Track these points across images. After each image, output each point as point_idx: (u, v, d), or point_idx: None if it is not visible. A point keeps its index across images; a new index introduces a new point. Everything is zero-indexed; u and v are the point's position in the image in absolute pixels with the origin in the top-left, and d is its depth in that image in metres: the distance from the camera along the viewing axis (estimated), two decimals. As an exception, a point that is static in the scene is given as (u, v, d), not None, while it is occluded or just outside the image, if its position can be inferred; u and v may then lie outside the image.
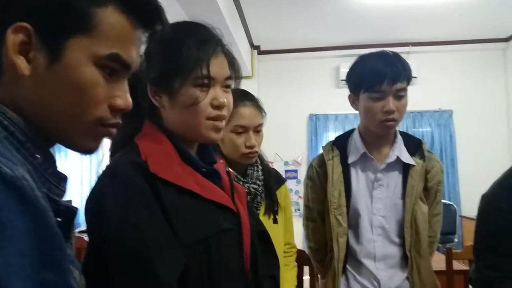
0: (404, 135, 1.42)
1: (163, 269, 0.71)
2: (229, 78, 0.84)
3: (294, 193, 4.81)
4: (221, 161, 0.95)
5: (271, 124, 5.65)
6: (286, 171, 5.05)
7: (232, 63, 0.86)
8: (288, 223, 1.46)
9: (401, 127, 5.37)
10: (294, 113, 5.35)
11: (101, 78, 0.53)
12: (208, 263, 0.76)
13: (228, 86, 0.85)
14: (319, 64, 5.12)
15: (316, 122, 5.23)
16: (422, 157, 1.36)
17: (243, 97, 1.27)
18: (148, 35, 0.60)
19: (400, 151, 1.36)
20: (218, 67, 0.81)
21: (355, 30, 4.68)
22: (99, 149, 0.58)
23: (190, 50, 0.79)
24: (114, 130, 0.57)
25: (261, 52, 5.24)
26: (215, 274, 0.77)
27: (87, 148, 0.57)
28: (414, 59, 5.12)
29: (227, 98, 0.83)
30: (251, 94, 1.32)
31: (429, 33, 4.87)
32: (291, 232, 1.47)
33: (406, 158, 1.35)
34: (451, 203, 4.55)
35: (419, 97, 5.28)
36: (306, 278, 1.81)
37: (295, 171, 5.11)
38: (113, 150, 0.84)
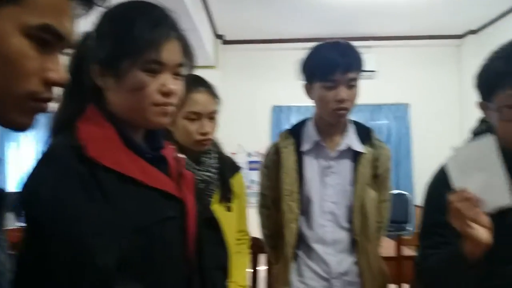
0: (355, 124, 1.45)
1: (102, 256, 0.69)
2: (180, 65, 0.82)
3: (257, 184, 4.84)
4: (170, 146, 0.94)
5: (235, 115, 5.68)
6: (250, 162, 5.08)
7: (186, 50, 0.83)
8: (242, 210, 1.46)
9: (359, 119, 5.49)
10: (258, 104, 5.37)
11: (32, 50, 0.50)
12: (150, 251, 0.75)
13: (179, 74, 0.82)
14: (283, 56, 5.14)
15: (279, 113, 5.27)
16: (372, 145, 1.40)
17: (196, 83, 1.26)
18: (87, 8, 0.57)
19: (351, 139, 1.40)
20: (170, 52, 0.78)
21: (320, 23, 4.73)
22: (33, 126, 0.56)
23: (142, 31, 0.76)
24: (47, 105, 0.55)
25: (225, 42, 5.21)
26: (156, 262, 0.76)
27: (20, 124, 0.54)
28: (374, 53, 5.24)
29: (176, 86, 0.80)
30: (205, 80, 1.30)
31: (389, 28, 5.00)
32: (244, 219, 1.48)
33: (357, 146, 1.39)
34: (405, 192, 4.73)
35: (378, 90, 5.43)
36: (264, 267, 1.83)
37: (258, 162, 5.14)
38: (53, 132, 0.81)
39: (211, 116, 1.28)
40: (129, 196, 0.75)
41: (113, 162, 0.75)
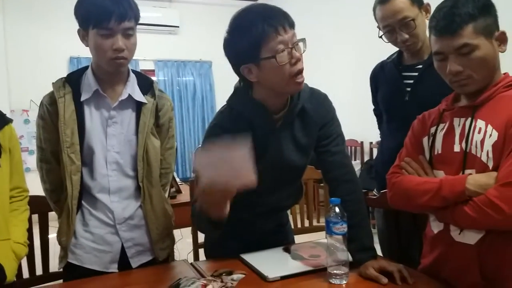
0: (138, 75, 1.48)
1: None
2: None
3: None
4: None
5: (25, 67, 4.99)
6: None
7: None
8: (16, 166, 1.35)
9: (166, 75, 5.58)
10: (52, 55, 4.84)
11: None
12: None
13: None
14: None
15: (78, 65, 4.86)
16: (153, 95, 1.46)
17: None
18: None
19: (132, 89, 1.43)
20: None
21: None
22: None
23: None
24: None
25: (4, -21, 4.43)
26: None
27: None
28: (176, 8, 5.27)
29: None
30: None
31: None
32: (21, 175, 1.38)
33: (138, 96, 1.43)
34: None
35: (182, 47, 5.54)
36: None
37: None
38: None
39: None
40: None
41: None
